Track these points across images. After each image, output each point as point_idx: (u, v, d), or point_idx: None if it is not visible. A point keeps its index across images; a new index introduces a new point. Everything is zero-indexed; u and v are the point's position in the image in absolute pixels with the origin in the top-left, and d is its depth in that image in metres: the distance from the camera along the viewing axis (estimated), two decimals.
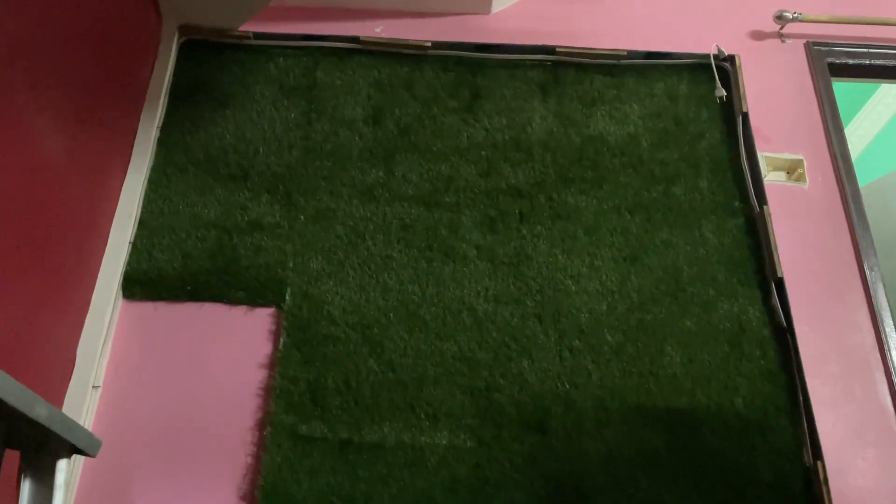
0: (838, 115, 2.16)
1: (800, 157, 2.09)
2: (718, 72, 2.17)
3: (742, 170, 2.05)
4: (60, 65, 1.56)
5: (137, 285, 1.85)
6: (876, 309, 1.89)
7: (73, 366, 1.67)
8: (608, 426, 1.74)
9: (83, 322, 1.72)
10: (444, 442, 1.71)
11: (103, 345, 1.73)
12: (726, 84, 2.17)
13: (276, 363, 1.77)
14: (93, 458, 1.32)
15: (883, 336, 1.86)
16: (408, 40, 2.20)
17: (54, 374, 1.61)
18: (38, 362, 1.53)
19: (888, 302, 1.91)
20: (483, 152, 2.07)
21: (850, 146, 2.15)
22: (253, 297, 1.86)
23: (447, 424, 1.73)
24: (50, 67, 1.51)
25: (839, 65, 2.25)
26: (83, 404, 1.66)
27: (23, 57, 1.41)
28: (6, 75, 1.35)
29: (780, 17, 2.25)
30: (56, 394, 1.62)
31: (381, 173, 2.04)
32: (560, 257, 1.93)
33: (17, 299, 1.42)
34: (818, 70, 2.21)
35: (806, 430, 1.75)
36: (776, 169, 2.09)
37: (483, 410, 1.75)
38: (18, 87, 1.40)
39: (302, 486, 1.64)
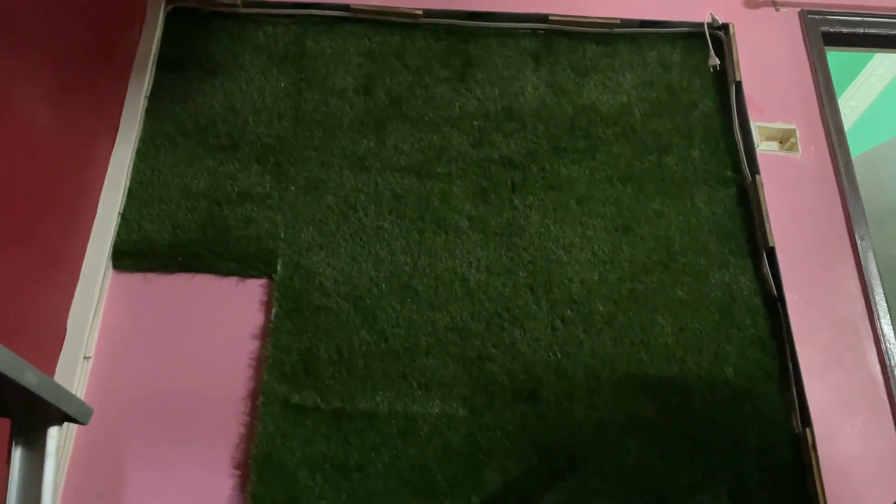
0: (832, 84, 2.15)
1: (792, 126, 2.09)
2: (712, 40, 2.16)
3: (735, 139, 2.04)
4: (45, 33, 1.54)
5: (127, 256, 1.84)
6: (866, 278, 1.90)
7: (64, 337, 1.67)
8: (599, 394, 1.75)
9: (73, 293, 1.71)
10: (437, 411, 1.72)
11: (94, 316, 1.72)
12: (720, 53, 2.16)
13: (269, 333, 1.77)
14: (85, 427, 1.32)
15: (873, 305, 1.87)
16: (399, 8, 2.17)
17: (45, 344, 1.61)
18: (28, 333, 1.53)
19: (878, 271, 1.91)
20: (475, 122, 2.06)
21: (843, 116, 2.15)
22: (244, 268, 1.85)
23: (439, 394, 1.74)
24: (34, 35, 1.49)
25: (833, 34, 2.24)
26: (75, 375, 1.65)
27: (6, 24, 1.38)
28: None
29: None
30: (48, 364, 1.62)
31: (372, 143, 2.02)
32: (552, 227, 1.93)
33: (5, 270, 1.41)
34: (812, 39, 2.20)
35: (795, 398, 1.76)
36: (769, 139, 2.08)
37: (475, 380, 1.76)
38: (3, 55, 1.38)
39: (295, 454, 1.65)
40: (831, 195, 2.01)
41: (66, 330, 1.67)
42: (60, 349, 1.66)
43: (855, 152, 2.11)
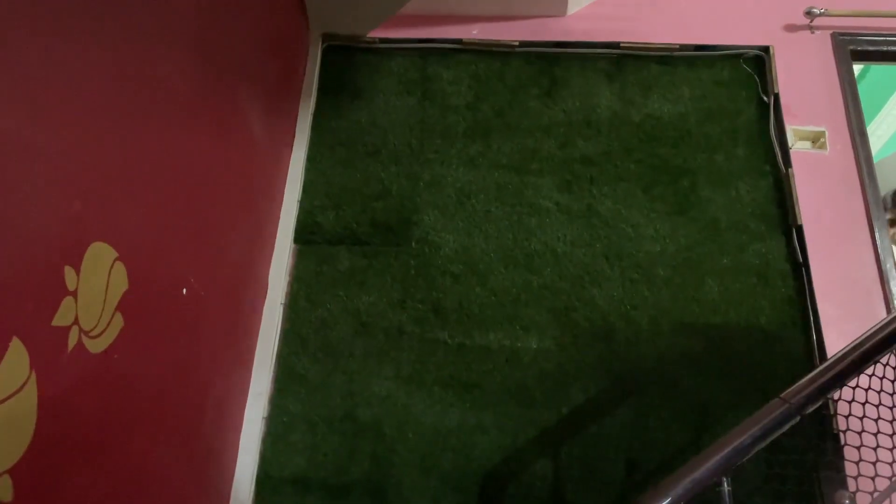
0: (857, 93, 2.62)
1: (822, 129, 2.57)
2: (755, 59, 2.66)
3: (772, 140, 2.54)
4: (257, 69, 2.20)
5: (304, 233, 2.49)
6: (879, 250, 2.37)
7: (267, 288, 2.33)
8: (659, 337, 2.29)
9: (271, 258, 2.38)
10: (535, 346, 2.30)
11: (286, 273, 2.38)
12: (762, 70, 2.66)
13: (408, 289, 2.39)
14: None
15: (884, 270, 2.34)
16: (499, 40, 2.77)
17: (257, 296, 2.27)
18: (248, 286, 2.19)
19: (890, 244, 2.38)
20: (561, 129, 2.63)
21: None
22: (387, 243, 2.47)
23: (536, 334, 2.32)
24: (253, 72, 2.15)
25: (860, 51, 2.70)
26: (274, 318, 2.31)
27: (241, 62, 2.05)
28: (235, 81, 1.99)
29: (809, 13, 2.71)
30: (256, 310, 2.28)
31: (480, 147, 2.62)
32: (622, 211, 2.48)
33: (241, 238, 2.08)
34: (841, 56, 2.67)
35: (815, 342, 2.26)
36: (802, 139, 2.57)
37: (563, 325, 2.33)
38: (239, 87, 2.05)
39: (431, 375, 2.26)
40: (852, 185, 2.48)
41: (268, 284, 2.34)
42: (265, 298, 2.32)
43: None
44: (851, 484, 1.25)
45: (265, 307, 2.32)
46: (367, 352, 2.32)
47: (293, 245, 2.48)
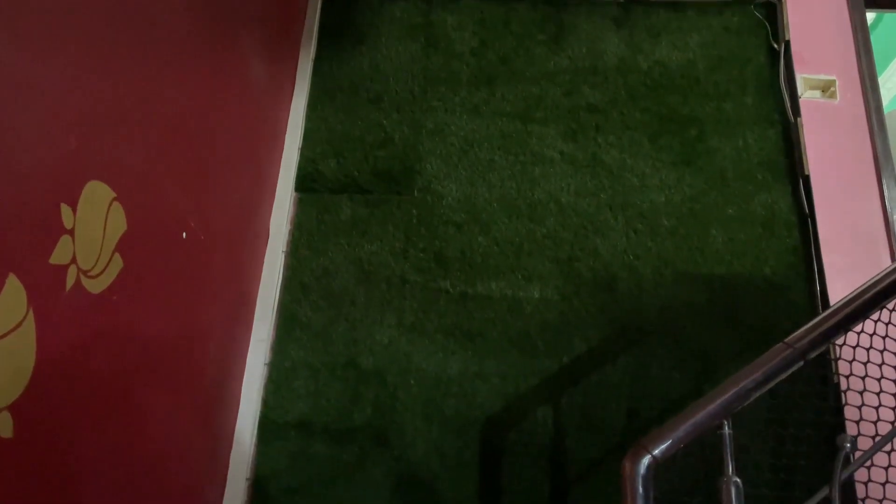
0: (869, 41, 2.56)
1: (833, 77, 2.51)
2: (766, 6, 2.59)
3: (781, 89, 2.49)
4: (259, 16, 2.15)
5: (305, 182, 2.47)
6: (887, 201, 2.34)
7: (268, 236, 2.32)
8: (663, 286, 2.28)
9: (273, 205, 2.36)
10: (537, 296, 2.29)
11: (287, 221, 2.37)
12: (773, 17, 2.60)
13: (410, 238, 2.37)
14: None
15: (890, 221, 2.31)
16: None
17: (258, 241, 2.26)
18: (250, 232, 2.17)
19: None
20: (566, 76, 2.58)
21: None
22: (389, 191, 2.45)
23: (538, 284, 2.31)
24: (250, 14, 2.10)
25: None
26: (276, 265, 2.30)
27: (237, 8, 2.00)
28: (235, 23, 1.95)
29: None
30: (258, 256, 2.27)
31: (484, 95, 2.57)
32: (628, 160, 2.45)
33: (242, 184, 2.06)
34: (854, 2, 2.60)
35: (819, 292, 2.24)
36: (812, 88, 2.52)
37: (566, 274, 2.32)
38: (241, 33, 2.00)
39: (433, 323, 2.26)
40: (862, 134, 2.44)
41: (269, 231, 2.32)
42: (266, 244, 2.31)
43: None
44: (853, 428, 1.25)
45: (266, 255, 2.31)
46: (370, 300, 2.31)
47: (294, 193, 2.46)
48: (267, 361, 2.22)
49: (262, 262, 2.31)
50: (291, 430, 2.16)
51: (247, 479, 2.08)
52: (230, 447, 2.06)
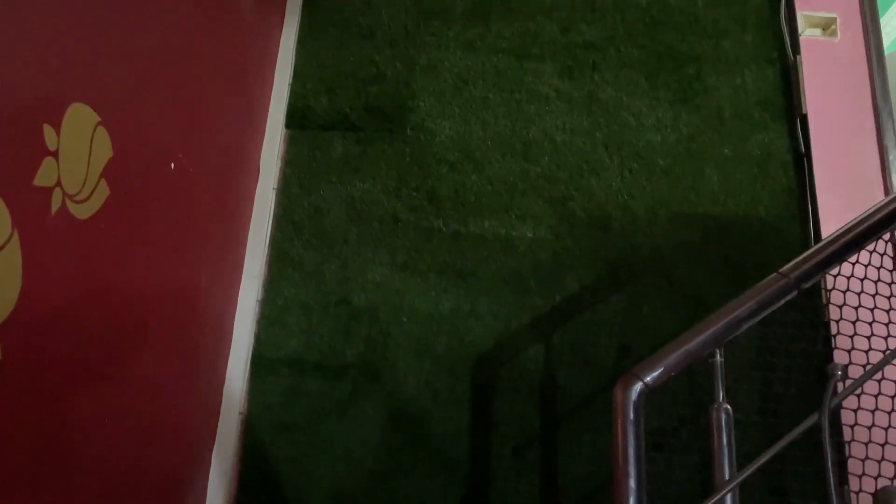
0: None
1: (833, 15, 2.46)
2: None
3: (781, 26, 2.44)
4: None
5: (296, 119, 2.42)
6: (884, 141, 2.32)
7: (259, 173, 2.29)
8: (656, 226, 2.27)
9: (262, 142, 2.32)
10: (530, 235, 2.28)
11: (278, 158, 2.33)
12: None
13: (403, 177, 2.34)
14: None
15: (887, 163, 2.30)
16: None
17: (248, 178, 2.23)
18: (241, 167, 2.14)
19: (895, 136, 2.33)
20: (563, 12, 2.52)
21: None
22: (381, 129, 2.40)
23: (532, 224, 2.29)
24: None
25: None
26: (267, 201, 2.28)
27: None
28: None
29: None
30: (249, 193, 2.24)
31: (479, 30, 2.51)
32: (624, 98, 2.41)
33: (231, 119, 2.01)
34: None
35: (812, 233, 2.24)
36: (812, 26, 2.47)
37: (560, 214, 2.30)
38: None
39: (426, 262, 2.25)
40: (861, 75, 2.40)
41: (259, 168, 2.29)
42: (257, 182, 2.28)
43: None
44: (844, 358, 1.25)
45: (257, 192, 2.28)
46: (362, 239, 2.30)
47: (285, 130, 2.41)
48: (259, 298, 2.21)
49: (253, 200, 2.28)
50: (284, 366, 2.16)
51: (240, 413, 2.10)
52: (223, 382, 2.07)
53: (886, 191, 2.28)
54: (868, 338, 1.25)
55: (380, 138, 2.41)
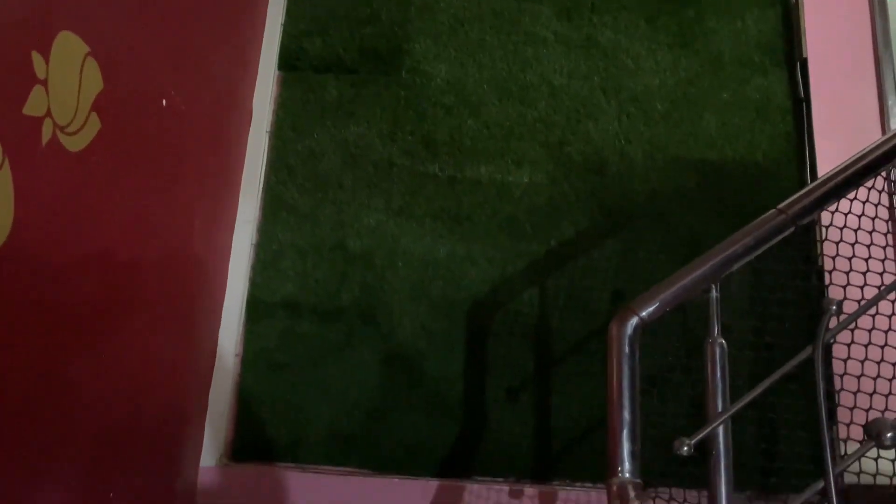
0: None
1: None
2: None
3: None
4: None
5: (288, 60, 2.37)
6: (883, 87, 2.30)
7: (252, 115, 2.25)
8: (653, 171, 2.26)
9: (255, 84, 2.28)
10: (526, 180, 2.26)
11: (270, 101, 2.29)
12: None
13: (398, 121, 2.31)
14: None
15: (885, 108, 2.28)
16: None
17: (241, 121, 2.20)
18: (234, 109, 2.11)
19: (894, 82, 2.31)
20: None
21: None
22: (375, 73, 2.36)
23: (528, 168, 2.28)
24: None
25: None
26: (260, 146, 2.25)
27: None
28: None
29: None
30: (242, 136, 2.21)
31: None
32: (623, 41, 2.37)
33: (222, 58, 1.98)
34: None
35: (808, 178, 2.23)
36: None
37: (556, 159, 2.28)
38: None
39: (422, 207, 2.24)
40: (862, 18, 2.36)
41: (252, 110, 2.26)
42: (250, 125, 2.25)
43: None
44: (839, 293, 1.26)
45: (250, 135, 2.25)
46: (357, 183, 2.28)
47: (277, 72, 2.37)
48: (254, 242, 2.20)
49: (246, 143, 2.25)
50: (279, 310, 2.17)
51: (236, 356, 2.11)
52: (218, 324, 2.07)
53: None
54: (864, 274, 1.26)
55: (374, 81, 2.37)
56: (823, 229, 2.00)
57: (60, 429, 1.27)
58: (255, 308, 2.17)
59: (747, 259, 1.23)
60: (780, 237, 1.23)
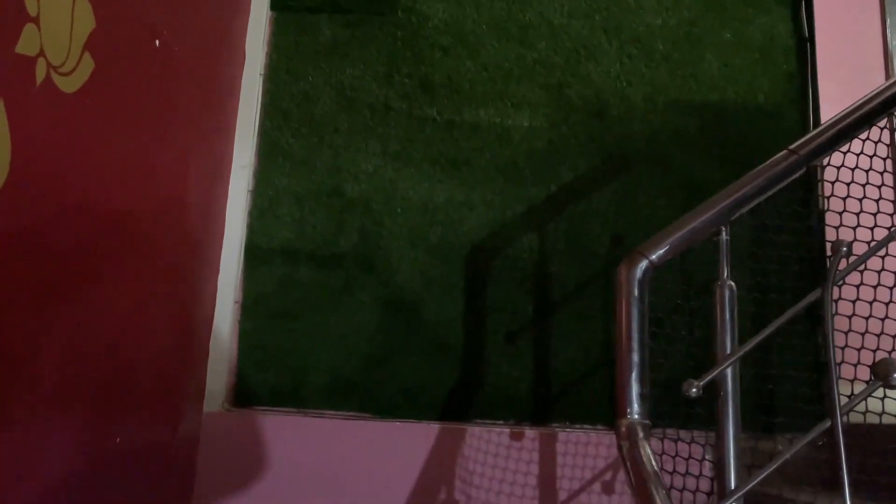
0: None
1: None
2: None
3: None
4: None
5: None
6: (887, 27, 2.26)
7: (245, 58, 2.19)
8: (654, 113, 2.23)
9: (247, 25, 2.21)
10: (526, 124, 2.23)
11: (264, 43, 2.23)
12: None
13: (394, 63, 2.26)
14: None
15: (889, 49, 2.25)
16: None
17: (234, 65, 2.13)
18: (225, 51, 2.04)
19: None
20: None
21: None
22: (371, 9, 2.29)
23: (528, 112, 2.24)
24: None
25: None
26: (255, 88, 2.20)
27: None
28: None
29: None
30: (234, 81, 2.15)
31: None
32: None
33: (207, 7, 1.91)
34: None
35: (811, 120, 2.21)
36: None
37: (555, 101, 2.25)
38: None
39: (419, 152, 2.21)
40: None
41: (245, 53, 2.19)
42: (243, 68, 2.19)
43: None
44: (850, 234, 1.25)
45: (244, 78, 2.19)
46: (353, 127, 2.23)
47: (270, 12, 2.30)
48: (250, 188, 2.17)
49: (240, 86, 2.19)
50: (277, 256, 2.15)
51: (235, 302, 2.10)
52: (217, 271, 2.05)
53: (888, 77, 2.24)
54: (874, 215, 1.25)
55: (369, 21, 2.31)
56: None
57: (65, 374, 1.26)
58: (253, 254, 2.15)
59: (758, 201, 1.22)
60: (791, 178, 1.22)
